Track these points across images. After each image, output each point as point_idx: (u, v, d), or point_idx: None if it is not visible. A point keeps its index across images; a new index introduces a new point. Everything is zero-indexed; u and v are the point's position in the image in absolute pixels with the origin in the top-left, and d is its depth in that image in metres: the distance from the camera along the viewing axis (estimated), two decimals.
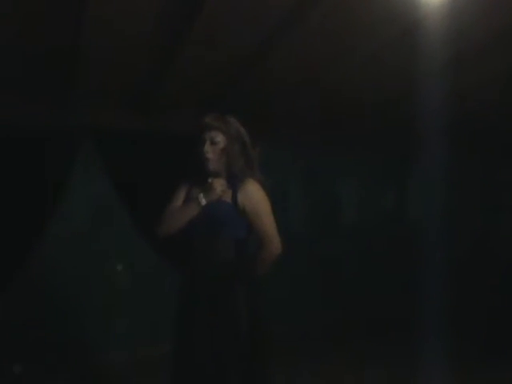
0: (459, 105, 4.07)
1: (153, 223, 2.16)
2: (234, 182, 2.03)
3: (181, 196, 2.14)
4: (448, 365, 3.40)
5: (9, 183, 3.41)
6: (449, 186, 5.41)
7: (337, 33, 2.80)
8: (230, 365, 1.93)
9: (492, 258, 5.60)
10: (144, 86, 3.45)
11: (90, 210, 3.92)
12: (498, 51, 3.17)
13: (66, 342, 3.74)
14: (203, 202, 1.99)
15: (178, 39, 2.73)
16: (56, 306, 3.73)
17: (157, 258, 3.91)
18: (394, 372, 3.50)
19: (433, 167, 5.23)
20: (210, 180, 2.04)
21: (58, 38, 2.64)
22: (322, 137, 4.85)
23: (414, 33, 2.82)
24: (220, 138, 2.03)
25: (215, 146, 2.03)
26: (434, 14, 2.65)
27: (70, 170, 3.63)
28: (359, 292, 5.07)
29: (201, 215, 2.00)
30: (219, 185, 2.01)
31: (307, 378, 3.45)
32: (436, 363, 3.46)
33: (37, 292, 3.63)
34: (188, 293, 2.05)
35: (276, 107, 4.08)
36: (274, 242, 2.03)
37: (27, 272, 3.50)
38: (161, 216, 2.11)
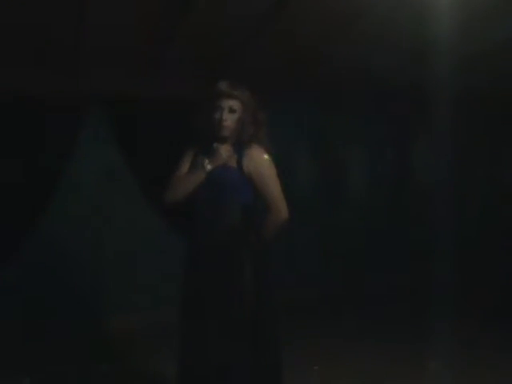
0: (466, 68, 4.05)
1: (160, 189, 2.18)
2: (240, 148, 2.04)
3: (187, 162, 2.15)
4: (455, 333, 3.47)
5: (17, 151, 3.45)
6: (456, 150, 5.39)
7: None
8: (237, 329, 1.97)
9: (501, 224, 5.66)
10: (150, 52, 3.44)
11: (98, 177, 3.92)
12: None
13: (78, 306, 3.83)
14: (208, 168, 2.01)
15: (184, 6, 2.72)
16: (67, 271, 3.80)
17: (164, 224, 3.95)
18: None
19: (441, 130, 5.20)
20: (215, 146, 2.05)
21: (64, 5, 2.63)
22: (328, 100, 4.80)
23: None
24: (237, 107, 2.04)
25: (233, 114, 2.03)
26: None
27: (77, 137, 3.65)
28: (366, 259, 5.10)
29: (207, 180, 2.03)
30: (224, 151, 2.03)
31: (313, 344, 3.49)
32: (444, 330, 3.50)
33: (48, 258, 3.69)
34: (195, 258, 2.07)
35: (280, 72, 4.06)
36: (281, 207, 2.04)
37: (37, 238, 3.57)
38: (167, 183, 2.13)
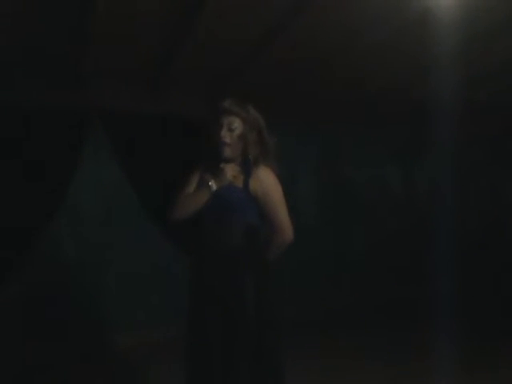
0: (470, 90, 4.07)
1: (162, 207, 2.17)
2: (247, 168, 2.02)
3: (193, 181, 2.13)
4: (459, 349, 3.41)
5: (18, 165, 3.39)
6: (460, 168, 5.41)
7: (348, 18, 2.80)
8: (240, 348, 1.94)
9: (503, 240, 5.64)
10: (154, 67, 3.45)
11: (99, 193, 3.93)
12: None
13: (77, 323, 3.80)
14: (213, 188, 1.99)
15: (189, 22, 2.73)
16: (66, 288, 3.79)
17: (167, 243, 3.89)
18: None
19: (444, 150, 5.22)
20: (221, 166, 2.03)
21: (68, 20, 2.64)
22: (334, 121, 4.83)
23: (425, 18, 2.82)
24: (237, 124, 2.01)
25: (232, 132, 2.01)
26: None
27: (79, 151, 3.61)
28: (371, 277, 5.08)
29: (212, 200, 2.00)
30: (230, 171, 2.01)
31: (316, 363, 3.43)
32: (447, 347, 3.46)
33: (47, 274, 3.68)
34: (199, 277, 2.05)
35: (287, 91, 4.07)
36: (286, 229, 2.03)
37: (38, 255, 3.54)
38: (172, 201, 2.10)
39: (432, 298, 4.61)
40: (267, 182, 2.01)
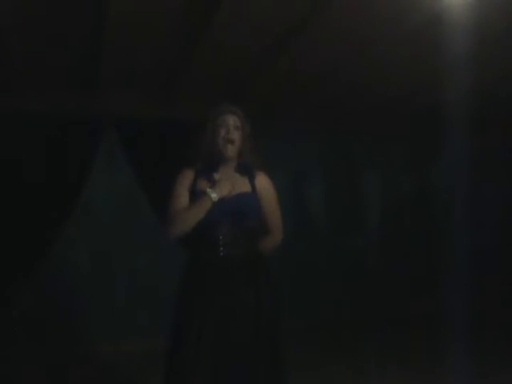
0: (482, 95, 4.03)
1: None
2: (249, 172, 2.04)
3: (184, 190, 2.01)
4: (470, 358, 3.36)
5: (32, 171, 3.49)
6: (473, 176, 5.34)
7: (358, 24, 2.80)
8: (241, 352, 1.89)
9: None
10: (168, 75, 3.49)
11: (112, 200, 3.97)
12: None
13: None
14: (215, 198, 1.90)
15: (201, 30, 2.76)
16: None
17: (177, 249, 3.92)
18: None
19: (457, 157, 5.17)
20: (216, 176, 1.99)
21: (83, 26, 2.68)
22: (345, 128, 4.83)
23: (436, 23, 2.80)
24: (240, 125, 2.03)
25: (237, 131, 2.01)
26: (457, 4, 2.64)
27: (93, 158, 3.69)
28: (381, 286, 5.03)
29: (222, 207, 1.93)
30: (229, 179, 1.97)
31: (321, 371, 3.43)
32: (460, 360, 3.39)
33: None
34: (210, 282, 1.95)
35: (299, 97, 4.08)
36: (280, 230, 2.14)
37: (50, 262, 3.62)
38: (168, 217, 1.95)
39: (443, 307, 4.56)
40: (269, 187, 2.09)
